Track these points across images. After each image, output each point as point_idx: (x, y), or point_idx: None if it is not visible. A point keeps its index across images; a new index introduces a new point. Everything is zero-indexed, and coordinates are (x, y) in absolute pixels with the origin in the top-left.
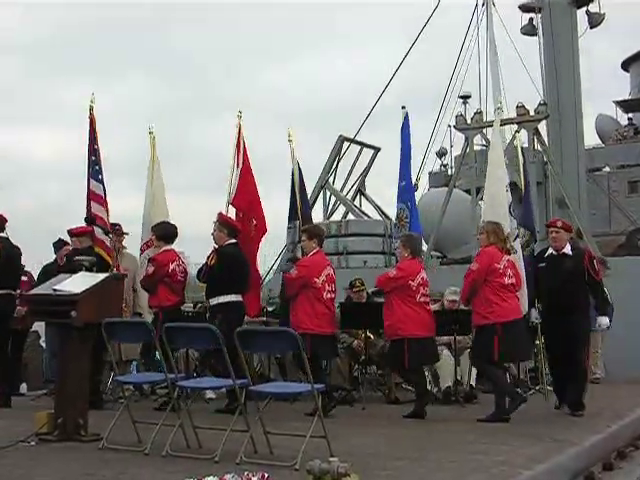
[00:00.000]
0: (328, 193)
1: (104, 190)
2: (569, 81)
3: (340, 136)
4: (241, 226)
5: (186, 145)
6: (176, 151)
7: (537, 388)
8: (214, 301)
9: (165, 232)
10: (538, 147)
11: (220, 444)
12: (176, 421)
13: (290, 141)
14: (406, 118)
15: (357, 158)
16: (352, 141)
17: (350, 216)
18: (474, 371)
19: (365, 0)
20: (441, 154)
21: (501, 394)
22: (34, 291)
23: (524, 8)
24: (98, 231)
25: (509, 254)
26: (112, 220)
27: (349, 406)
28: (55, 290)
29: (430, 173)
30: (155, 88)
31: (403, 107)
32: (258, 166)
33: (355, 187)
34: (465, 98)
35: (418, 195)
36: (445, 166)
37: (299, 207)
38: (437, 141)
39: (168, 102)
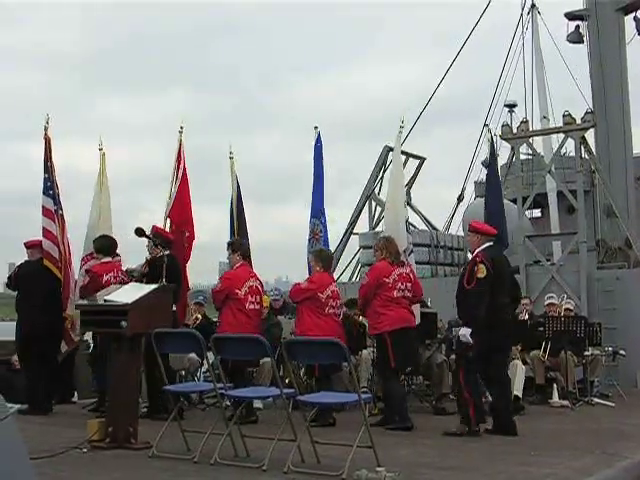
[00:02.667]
0: (374, 203)
1: (59, 205)
2: (617, 89)
3: (385, 146)
4: (175, 237)
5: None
6: (216, 163)
7: (586, 400)
8: None
9: (101, 245)
10: (585, 156)
11: (268, 453)
12: (224, 430)
13: (231, 158)
14: (319, 138)
15: (402, 168)
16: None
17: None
18: (520, 382)
19: (404, 12)
20: (487, 163)
21: (392, 409)
22: (85, 301)
23: (570, 16)
24: (47, 244)
25: (402, 266)
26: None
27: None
28: (106, 300)
29: (476, 182)
30: (195, 101)
31: (316, 127)
32: (295, 177)
33: None
34: (511, 107)
35: (464, 205)
36: None
37: (236, 222)
38: (482, 150)
39: (208, 115)
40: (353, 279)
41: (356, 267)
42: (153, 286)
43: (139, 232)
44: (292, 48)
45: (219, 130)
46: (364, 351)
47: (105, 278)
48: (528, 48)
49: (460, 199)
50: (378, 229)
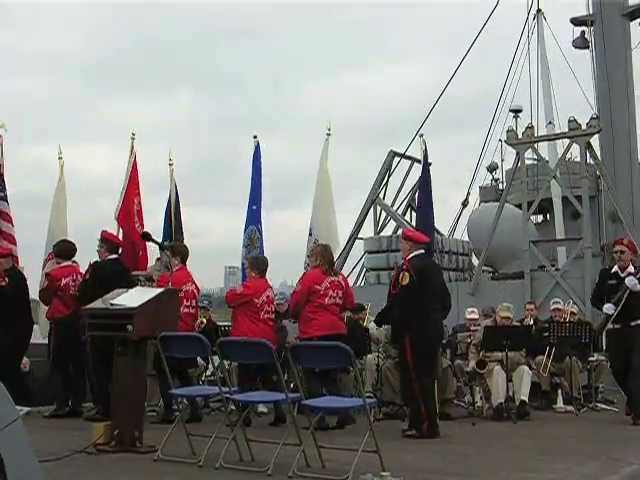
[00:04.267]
0: (379, 208)
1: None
2: (622, 94)
3: (390, 151)
4: (124, 242)
5: (235, 160)
6: (224, 167)
7: (590, 405)
8: None
9: (60, 250)
10: (591, 161)
11: (273, 457)
12: (229, 434)
13: (171, 165)
14: (257, 147)
15: (408, 173)
16: (402, 156)
17: (400, 231)
18: (526, 387)
19: (408, 16)
20: (492, 169)
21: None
22: (91, 305)
23: (576, 21)
24: (14, 249)
25: (335, 274)
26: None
27: (400, 421)
28: (112, 304)
29: (481, 188)
30: (203, 105)
31: (255, 137)
32: (298, 182)
33: (406, 202)
34: (516, 112)
35: (469, 210)
36: (496, 181)
37: (173, 226)
38: (487, 155)
39: (216, 118)
40: (358, 284)
41: (361, 272)
42: (159, 290)
43: (145, 236)
44: (298, 51)
45: (227, 133)
46: (369, 356)
47: (63, 282)
48: (534, 53)
49: (465, 204)
50: (383, 234)
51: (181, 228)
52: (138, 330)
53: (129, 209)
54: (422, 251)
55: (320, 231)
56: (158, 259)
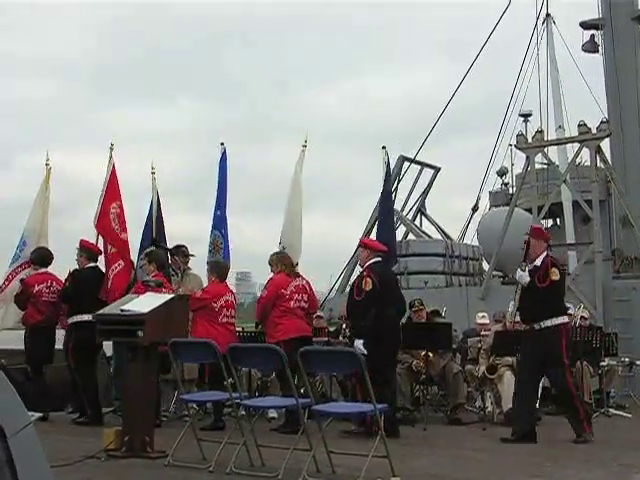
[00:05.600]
0: None
1: None
2: (632, 98)
3: (400, 156)
4: (103, 249)
5: (241, 166)
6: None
7: (602, 410)
8: (70, 320)
9: (37, 256)
10: (601, 165)
11: (283, 463)
12: (240, 439)
13: (153, 173)
14: (224, 153)
15: (417, 178)
16: (412, 161)
17: (411, 236)
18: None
19: (414, 22)
20: (502, 173)
21: None
22: (102, 311)
23: (585, 25)
24: None
25: (300, 278)
26: (175, 241)
27: (411, 426)
28: (122, 310)
29: (491, 192)
30: (207, 111)
31: (222, 143)
32: (310, 186)
33: (415, 207)
34: (526, 116)
35: (479, 215)
36: (506, 185)
37: (154, 236)
38: (497, 160)
39: (221, 124)
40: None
41: None
42: (169, 296)
43: (153, 243)
44: (303, 57)
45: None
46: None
47: (36, 288)
48: (543, 57)
49: (475, 209)
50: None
51: (164, 236)
52: (148, 336)
53: (106, 216)
54: (379, 259)
55: (287, 240)
56: (169, 265)
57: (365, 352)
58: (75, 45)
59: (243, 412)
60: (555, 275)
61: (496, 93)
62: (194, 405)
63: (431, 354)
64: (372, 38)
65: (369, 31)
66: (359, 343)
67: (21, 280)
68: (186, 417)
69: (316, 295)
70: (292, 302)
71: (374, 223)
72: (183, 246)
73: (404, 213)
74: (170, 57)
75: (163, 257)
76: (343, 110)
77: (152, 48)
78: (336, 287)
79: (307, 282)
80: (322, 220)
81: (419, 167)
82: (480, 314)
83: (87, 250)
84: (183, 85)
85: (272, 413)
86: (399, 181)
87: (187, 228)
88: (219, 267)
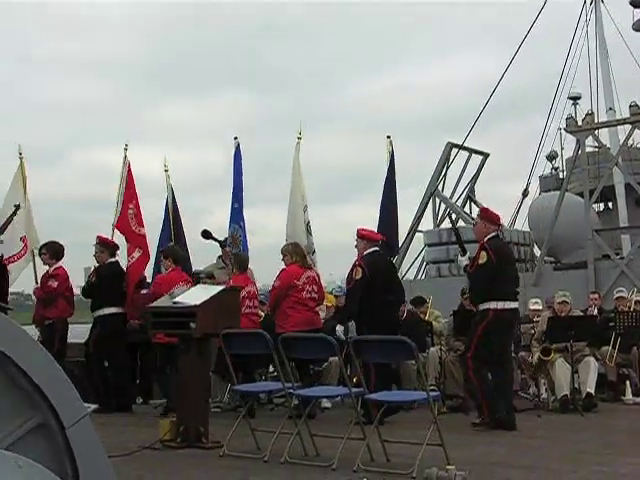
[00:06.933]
0: (438, 200)
1: None
2: None
3: (448, 143)
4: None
5: (283, 158)
6: (274, 165)
7: None
8: (97, 313)
9: (54, 251)
10: None
11: (337, 452)
12: (293, 429)
13: (166, 171)
14: (238, 147)
15: (466, 164)
16: (460, 147)
17: (460, 223)
18: (593, 379)
19: (457, 8)
20: (551, 157)
21: None
22: (155, 304)
23: (635, 3)
24: None
25: (310, 269)
26: (224, 233)
27: (464, 414)
28: (174, 302)
29: (541, 177)
30: (250, 103)
31: (235, 138)
32: (350, 174)
33: (465, 194)
34: (575, 99)
35: (529, 200)
36: (556, 169)
37: (172, 231)
38: (547, 144)
39: (263, 116)
40: (419, 277)
41: (421, 265)
42: (220, 287)
43: (206, 234)
44: (344, 47)
45: (276, 132)
46: (431, 349)
47: (69, 283)
48: (592, 38)
49: (525, 194)
50: (443, 226)
51: (183, 235)
52: (201, 327)
53: (125, 215)
54: (376, 248)
55: (290, 232)
56: (220, 257)
57: (344, 338)
58: (124, 45)
59: (296, 402)
60: (482, 259)
61: (544, 76)
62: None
63: None
64: (418, 24)
65: (415, 17)
66: (340, 329)
67: (50, 275)
68: (239, 408)
69: None
70: (304, 293)
71: (423, 210)
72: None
73: (453, 200)
74: (213, 52)
75: (179, 251)
76: (387, 99)
77: (196, 44)
78: None
79: (317, 273)
80: (370, 209)
81: (467, 153)
82: (533, 300)
83: (107, 246)
84: (228, 79)
85: (325, 403)
86: (447, 168)
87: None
88: (240, 259)
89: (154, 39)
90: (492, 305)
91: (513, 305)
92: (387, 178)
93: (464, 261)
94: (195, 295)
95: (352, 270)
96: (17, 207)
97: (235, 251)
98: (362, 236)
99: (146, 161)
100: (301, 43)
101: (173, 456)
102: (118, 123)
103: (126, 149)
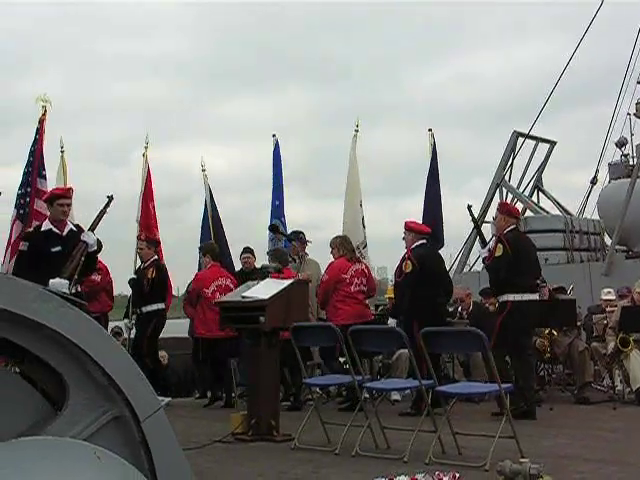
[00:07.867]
0: (504, 190)
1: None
2: None
3: (514, 132)
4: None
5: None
6: (335, 158)
7: None
8: (148, 308)
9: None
10: None
11: (408, 444)
12: (364, 422)
13: (203, 170)
14: (277, 145)
15: (533, 153)
16: (527, 136)
17: (528, 213)
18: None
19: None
20: (621, 144)
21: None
22: (224, 298)
23: None
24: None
25: (359, 262)
26: (292, 228)
27: (536, 406)
28: (244, 297)
29: (610, 164)
30: (314, 97)
31: (274, 135)
32: (414, 170)
33: (532, 183)
34: None
35: (598, 188)
36: (626, 156)
37: (212, 229)
38: (615, 130)
39: (327, 109)
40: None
41: None
42: (289, 281)
43: (273, 229)
44: (403, 38)
45: (333, 126)
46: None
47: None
48: None
49: (594, 182)
50: None
51: (221, 228)
52: (270, 321)
53: (148, 213)
54: (424, 241)
55: (347, 225)
56: (268, 252)
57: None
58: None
59: (367, 395)
60: (499, 251)
61: (612, 61)
62: (317, 389)
63: (555, 332)
64: (478, 13)
65: (475, 6)
66: (392, 322)
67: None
68: (310, 401)
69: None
70: (352, 286)
71: (490, 200)
72: (301, 232)
73: (520, 190)
74: (277, 48)
75: (216, 248)
76: (453, 88)
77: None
78: (454, 267)
79: (366, 266)
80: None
81: (534, 142)
82: (605, 290)
83: (153, 242)
84: (292, 74)
85: (395, 395)
86: (514, 157)
87: (303, 214)
88: (279, 255)
89: (207, 35)
90: (510, 297)
91: (532, 297)
92: (430, 171)
93: (484, 253)
94: (264, 289)
95: (401, 263)
96: (110, 198)
97: (277, 246)
98: (410, 229)
99: (213, 157)
100: (366, 35)
101: (245, 449)
102: (185, 120)
103: (146, 147)
